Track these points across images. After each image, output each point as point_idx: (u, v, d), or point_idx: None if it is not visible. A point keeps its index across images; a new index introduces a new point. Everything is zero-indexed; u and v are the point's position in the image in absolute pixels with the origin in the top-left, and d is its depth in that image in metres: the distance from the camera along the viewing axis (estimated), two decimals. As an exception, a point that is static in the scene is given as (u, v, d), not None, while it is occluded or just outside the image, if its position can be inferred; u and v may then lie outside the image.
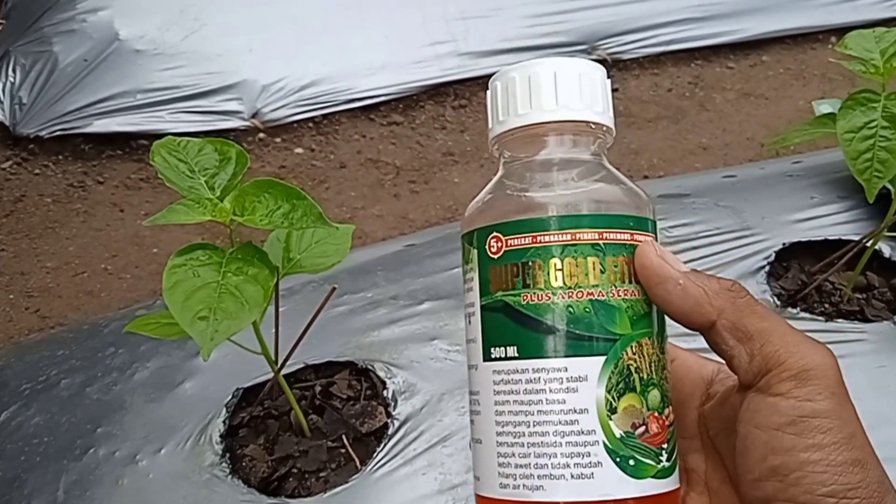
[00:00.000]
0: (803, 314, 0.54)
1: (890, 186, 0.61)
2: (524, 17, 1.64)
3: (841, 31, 1.77)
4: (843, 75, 1.65)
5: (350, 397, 0.49)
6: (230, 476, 0.44)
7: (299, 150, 1.45)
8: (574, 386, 0.30)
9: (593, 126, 0.33)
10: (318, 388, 0.49)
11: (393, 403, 0.48)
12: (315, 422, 0.48)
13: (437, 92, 1.55)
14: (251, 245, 0.38)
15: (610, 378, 0.30)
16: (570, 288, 0.31)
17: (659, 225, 0.62)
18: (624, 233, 0.31)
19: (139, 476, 0.45)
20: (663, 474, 0.30)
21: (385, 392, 0.49)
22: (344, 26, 1.59)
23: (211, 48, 1.52)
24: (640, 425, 0.30)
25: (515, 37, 1.62)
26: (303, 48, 1.55)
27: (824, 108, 0.64)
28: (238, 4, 1.59)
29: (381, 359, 0.50)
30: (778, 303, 0.55)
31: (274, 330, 0.44)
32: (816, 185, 0.65)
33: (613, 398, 0.30)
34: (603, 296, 0.31)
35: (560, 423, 0.30)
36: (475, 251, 0.32)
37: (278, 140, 1.47)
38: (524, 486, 0.30)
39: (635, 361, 0.31)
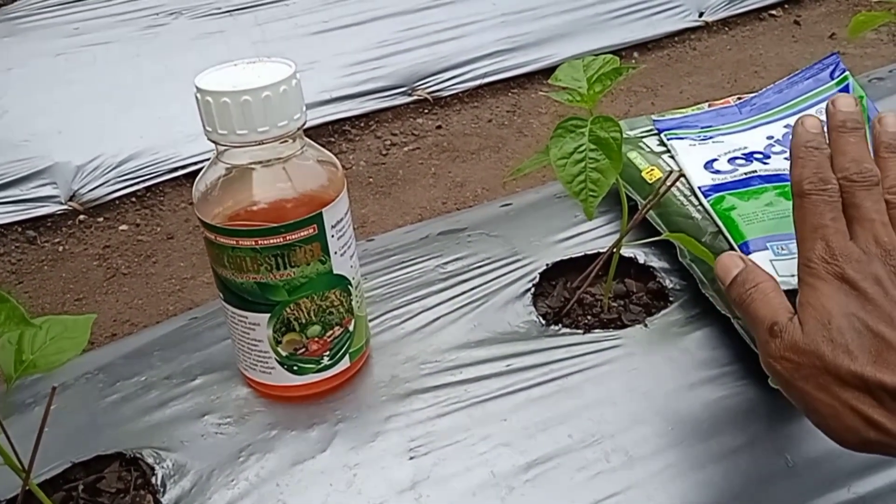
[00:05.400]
0: (565, 329, 0.56)
1: (638, 198, 0.65)
2: (341, 67, 1.67)
3: (640, 46, 1.89)
4: (647, 87, 1.76)
5: (119, 490, 0.48)
6: None
7: (124, 227, 1.41)
8: (252, 327, 0.46)
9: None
10: (81, 487, 0.48)
11: (162, 489, 0.47)
12: (82, 522, 0.46)
13: (261, 150, 1.54)
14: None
15: (274, 325, 0.46)
16: (241, 272, 0.44)
17: (434, 263, 0.64)
18: (277, 238, 0.43)
19: None
20: (323, 369, 0.48)
21: (154, 479, 0.48)
22: (157, 96, 1.56)
23: (17, 135, 1.47)
24: (301, 348, 0.47)
25: (335, 87, 1.64)
26: (116, 123, 1.51)
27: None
28: (41, 86, 1.54)
29: (150, 444, 0.49)
30: (543, 322, 0.57)
31: (6, 437, 0.42)
32: (580, 204, 0.69)
33: (279, 335, 0.46)
34: (263, 279, 0.45)
35: (248, 344, 0.47)
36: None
37: (101, 220, 1.42)
38: (243, 367, 0.50)
39: (294, 314, 0.46)
